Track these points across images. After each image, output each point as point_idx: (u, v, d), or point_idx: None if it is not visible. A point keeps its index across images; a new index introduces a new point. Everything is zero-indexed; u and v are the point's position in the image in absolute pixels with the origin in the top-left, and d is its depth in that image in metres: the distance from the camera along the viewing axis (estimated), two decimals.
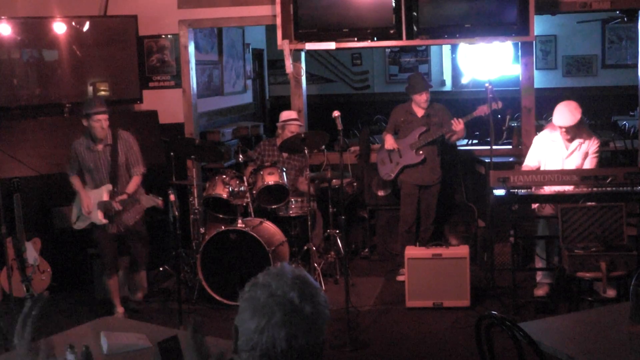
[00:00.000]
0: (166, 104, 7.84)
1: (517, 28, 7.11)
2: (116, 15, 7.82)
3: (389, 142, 7.11)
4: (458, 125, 6.79)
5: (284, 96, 9.07)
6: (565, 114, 5.98)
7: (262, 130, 10.86)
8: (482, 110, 6.78)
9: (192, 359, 1.98)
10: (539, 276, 6.41)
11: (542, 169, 6.22)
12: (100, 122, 6.03)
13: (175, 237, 5.87)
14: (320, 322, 1.70)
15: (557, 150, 6.17)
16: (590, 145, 6.11)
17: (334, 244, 7.17)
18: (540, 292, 6.28)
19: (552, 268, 6.19)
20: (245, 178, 6.76)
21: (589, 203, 5.57)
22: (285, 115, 7.46)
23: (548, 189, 5.93)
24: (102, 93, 7.74)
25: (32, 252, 6.40)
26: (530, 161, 6.32)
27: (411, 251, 6.32)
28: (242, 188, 6.71)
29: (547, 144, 6.21)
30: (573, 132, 6.05)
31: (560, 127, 6.04)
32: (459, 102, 10.81)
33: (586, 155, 6.10)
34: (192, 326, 1.99)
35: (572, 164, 6.09)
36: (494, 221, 6.62)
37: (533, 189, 5.95)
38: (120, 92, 7.76)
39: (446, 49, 12.76)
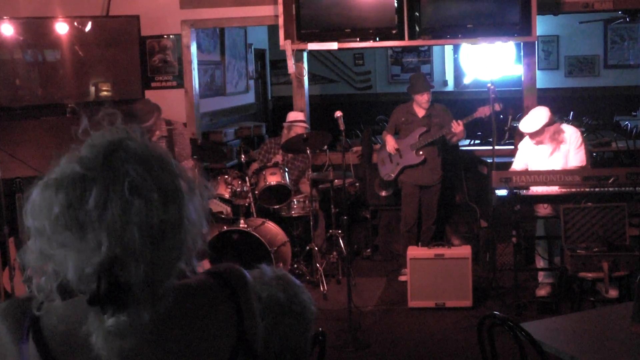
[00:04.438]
0: (168, 104, 7.83)
1: (520, 28, 7.11)
2: (118, 15, 7.82)
3: (390, 143, 7.11)
4: (458, 127, 6.80)
5: (286, 96, 9.08)
6: (528, 121, 6.18)
7: (264, 131, 10.86)
8: (482, 111, 6.79)
9: None
10: (541, 276, 6.41)
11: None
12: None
13: None
14: (309, 318, 1.70)
15: (540, 153, 6.28)
16: (571, 143, 6.18)
17: (336, 244, 7.17)
18: (542, 292, 6.28)
19: (555, 268, 6.19)
20: (247, 178, 6.77)
21: (590, 203, 5.58)
22: (292, 116, 7.47)
23: (538, 189, 5.98)
24: (105, 93, 7.75)
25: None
26: (517, 164, 6.43)
27: (413, 251, 6.32)
28: (245, 188, 6.71)
29: (532, 146, 6.34)
30: (539, 137, 6.16)
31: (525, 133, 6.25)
32: (461, 102, 10.80)
33: (568, 153, 6.18)
34: None
35: (555, 165, 6.16)
36: (496, 221, 6.62)
37: (535, 190, 5.98)
38: (122, 93, 7.76)
39: (448, 49, 12.75)
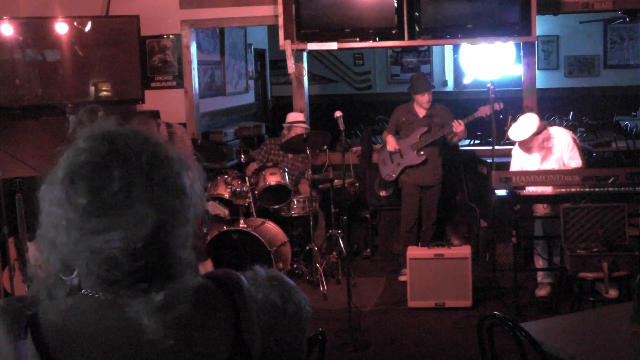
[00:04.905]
0: (168, 104, 7.84)
1: (519, 28, 7.11)
2: (118, 15, 7.82)
3: (391, 143, 7.11)
4: (459, 126, 6.80)
5: (286, 96, 9.08)
6: (517, 129, 6.17)
7: (264, 131, 10.85)
8: (483, 111, 6.79)
9: None
10: (540, 276, 6.42)
11: None
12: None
13: None
14: (304, 318, 1.69)
15: (532, 160, 6.29)
16: (562, 148, 6.16)
17: (336, 244, 7.17)
18: (542, 292, 6.28)
19: (554, 268, 6.19)
20: (247, 178, 6.77)
21: (589, 203, 5.59)
22: (292, 116, 7.48)
23: (538, 189, 5.97)
24: (104, 93, 7.74)
25: (34, 252, 6.39)
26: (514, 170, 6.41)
27: (413, 251, 6.32)
28: (244, 188, 6.71)
29: (523, 152, 6.33)
30: (528, 144, 6.17)
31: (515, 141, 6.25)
32: (461, 102, 10.80)
33: (561, 158, 6.18)
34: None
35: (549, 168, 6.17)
36: (495, 221, 6.62)
37: (535, 190, 5.98)
38: (122, 93, 7.75)
39: (448, 49, 12.74)
